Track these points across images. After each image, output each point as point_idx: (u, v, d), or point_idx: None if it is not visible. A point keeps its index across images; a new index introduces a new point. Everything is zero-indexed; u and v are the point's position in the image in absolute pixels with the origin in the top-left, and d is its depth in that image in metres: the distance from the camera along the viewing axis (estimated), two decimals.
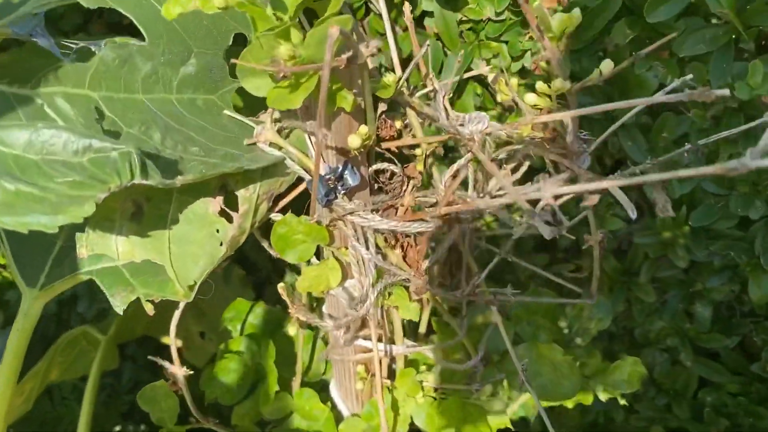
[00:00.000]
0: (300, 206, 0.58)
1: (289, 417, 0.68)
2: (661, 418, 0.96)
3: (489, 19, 0.72)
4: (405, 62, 0.74)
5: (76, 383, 1.27)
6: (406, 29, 0.82)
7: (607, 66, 0.49)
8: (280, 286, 0.62)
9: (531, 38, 0.71)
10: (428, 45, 0.57)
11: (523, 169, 0.60)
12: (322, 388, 0.72)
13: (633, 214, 0.43)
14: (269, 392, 0.68)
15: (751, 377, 0.90)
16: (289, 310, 0.63)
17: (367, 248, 0.52)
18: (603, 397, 0.73)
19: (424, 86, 0.62)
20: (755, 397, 0.89)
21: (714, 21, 0.66)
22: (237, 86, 0.55)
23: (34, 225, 0.39)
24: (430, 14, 0.76)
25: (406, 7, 0.58)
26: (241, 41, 0.54)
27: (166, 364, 0.62)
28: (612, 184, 0.35)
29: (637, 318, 0.89)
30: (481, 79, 0.79)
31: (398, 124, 0.59)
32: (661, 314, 0.88)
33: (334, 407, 0.69)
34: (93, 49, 0.48)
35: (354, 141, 0.47)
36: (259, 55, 0.41)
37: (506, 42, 0.73)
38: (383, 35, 0.70)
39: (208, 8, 0.41)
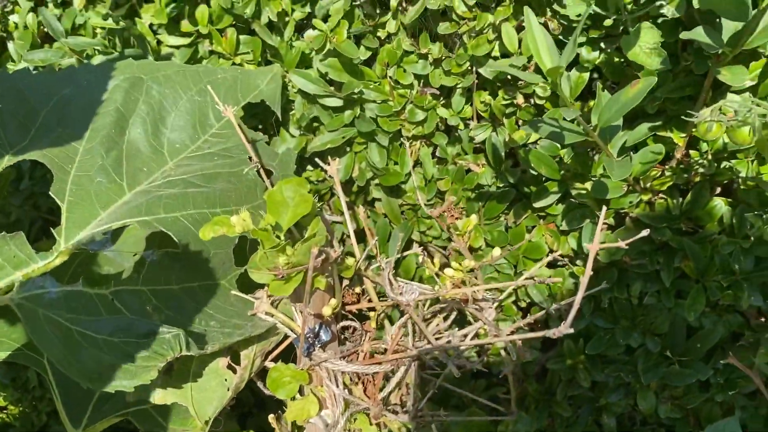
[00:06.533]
0: (285, 357, 0.78)
1: None
2: None
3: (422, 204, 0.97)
4: (360, 233, 0.97)
5: None
6: (363, 205, 1.06)
7: (496, 252, 0.73)
8: (271, 417, 0.81)
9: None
10: (376, 240, 0.79)
11: (453, 316, 0.82)
12: None
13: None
14: None
15: None
16: None
17: (337, 386, 0.72)
18: None
19: (376, 260, 0.84)
20: None
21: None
22: (239, 272, 0.76)
23: (119, 387, 0.58)
24: (379, 199, 1.00)
25: (360, 210, 0.81)
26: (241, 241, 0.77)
27: None
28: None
29: (558, 429, 1.08)
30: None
31: (357, 290, 0.81)
32: (576, 425, 1.07)
33: None
34: (144, 256, 0.69)
35: (327, 311, 0.69)
36: (265, 263, 0.63)
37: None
38: (342, 213, 0.93)
39: (230, 233, 0.63)
